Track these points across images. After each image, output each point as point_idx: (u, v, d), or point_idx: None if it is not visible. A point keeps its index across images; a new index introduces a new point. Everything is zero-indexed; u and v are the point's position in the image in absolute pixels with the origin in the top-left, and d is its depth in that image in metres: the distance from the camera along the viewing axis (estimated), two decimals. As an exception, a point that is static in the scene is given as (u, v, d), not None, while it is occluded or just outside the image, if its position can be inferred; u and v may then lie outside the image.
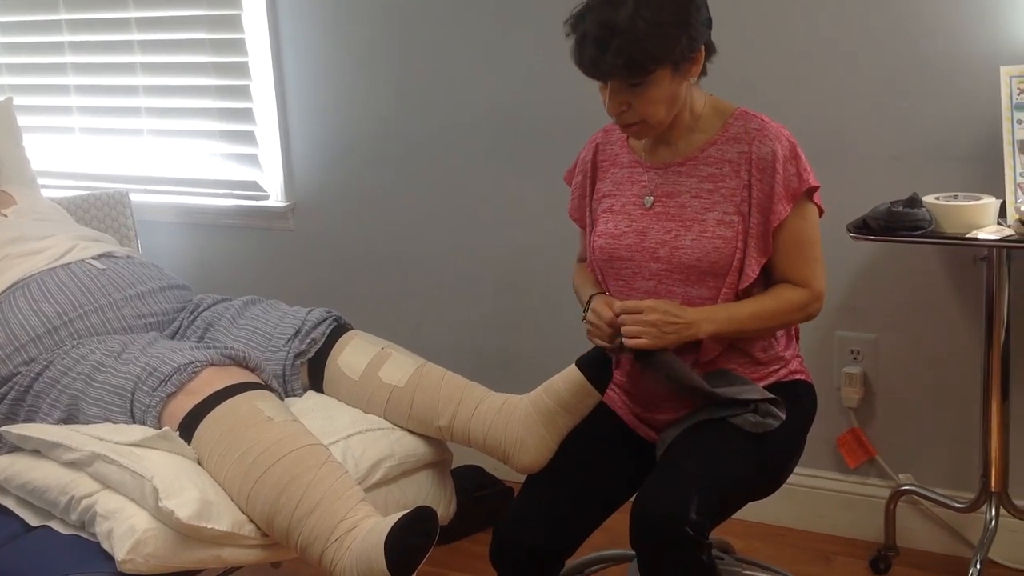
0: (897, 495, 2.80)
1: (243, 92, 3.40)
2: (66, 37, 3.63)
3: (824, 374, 2.76)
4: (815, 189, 2.05)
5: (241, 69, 3.38)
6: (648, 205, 2.09)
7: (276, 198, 3.46)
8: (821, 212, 2.09)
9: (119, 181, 3.58)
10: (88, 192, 3.09)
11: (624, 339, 1.98)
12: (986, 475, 2.58)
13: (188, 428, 2.01)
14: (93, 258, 2.49)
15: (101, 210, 3.04)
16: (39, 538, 1.97)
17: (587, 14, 1.93)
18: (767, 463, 2.06)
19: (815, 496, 2.93)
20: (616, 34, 1.88)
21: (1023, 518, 2.62)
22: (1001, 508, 2.58)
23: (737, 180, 2.04)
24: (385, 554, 1.80)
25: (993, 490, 2.58)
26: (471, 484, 2.98)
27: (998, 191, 2.40)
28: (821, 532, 2.94)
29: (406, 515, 1.85)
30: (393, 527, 1.83)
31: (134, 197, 3.13)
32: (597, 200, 2.18)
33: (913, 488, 2.79)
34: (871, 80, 2.65)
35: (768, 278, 2.09)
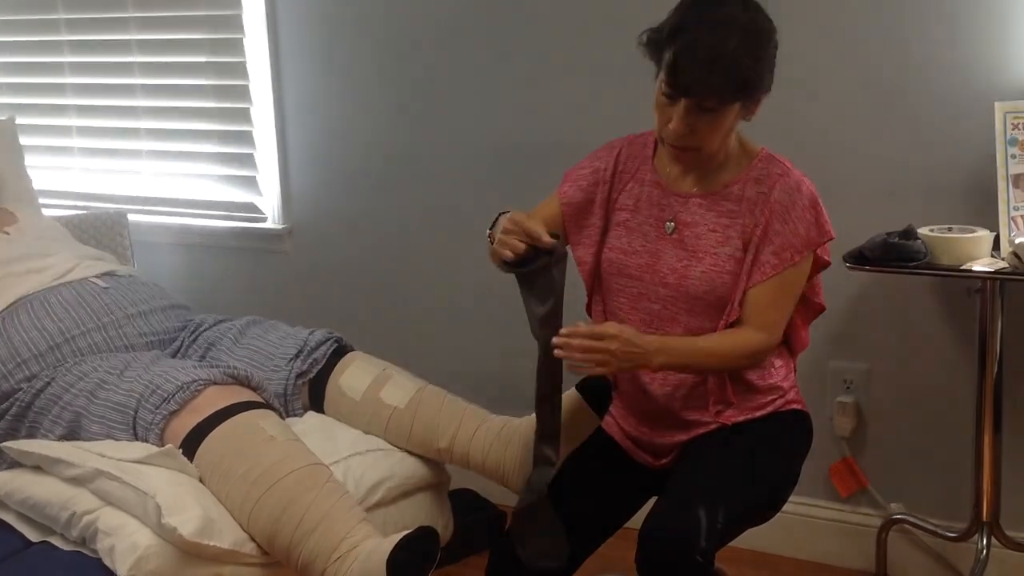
0: (889, 524, 2.81)
1: (243, 115, 3.42)
2: (67, 57, 3.64)
3: (817, 403, 2.77)
4: (830, 240, 2.06)
5: (241, 92, 3.40)
6: (670, 231, 2.10)
7: (273, 221, 3.47)
8: (827, 264, 2.11)
9: (117, 201, 3.59)
10: (86, 212, 3.09)
11: (579, 362, 1.92)
12: (978, 505, 2.60)
13: (190, 446, 2.01)
14: (96, 277, 2.50)
15: (99, 230, 3.04)
16: (39, 553, 1.97)
17: (688, 30, 1.91)
18: (770, 490, 2.08)
19: (807, 524, 2.94)
20: (722, 58, 1.88)
21: (1014, 548, 2.64)
22: (992, 538, 2.60)
23: (751, 218, 2.05)
24: (387, 574, 1.81)
25: (984, 520, 2.60)
26: (463, 507, 2.96)
27: (992, 224, 2.44)
28: (813, 560, 2.95)
29: (408, 535, 1.86)
30: (395, 547, 1.83)
31: (132, 217, 3.15)
32: (614, 210, 2.18)
33: (904, 517, 2.80)
34: (867, 113, 2.69)
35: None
